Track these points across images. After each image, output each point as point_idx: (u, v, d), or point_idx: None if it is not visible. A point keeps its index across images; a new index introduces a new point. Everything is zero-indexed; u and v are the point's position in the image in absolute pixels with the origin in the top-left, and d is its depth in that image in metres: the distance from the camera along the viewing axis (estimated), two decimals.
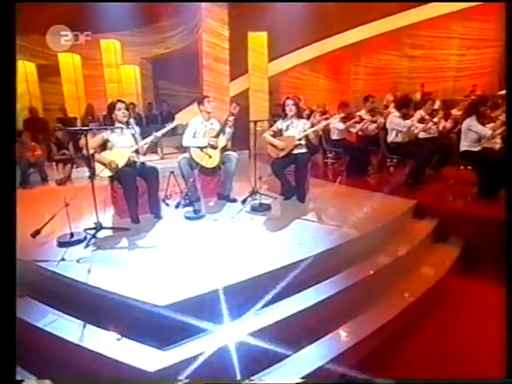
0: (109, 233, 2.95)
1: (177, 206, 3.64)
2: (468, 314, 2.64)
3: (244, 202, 3.71)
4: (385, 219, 3.28)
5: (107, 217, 3.22)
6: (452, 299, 2.81)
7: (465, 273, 3.12)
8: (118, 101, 3.28)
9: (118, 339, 1.86)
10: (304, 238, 2.78)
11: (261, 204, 3.56)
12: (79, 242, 2.74)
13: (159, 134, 3.40)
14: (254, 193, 3.81)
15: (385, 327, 2.26)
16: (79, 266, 2.38)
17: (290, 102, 3.83)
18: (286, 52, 9.95)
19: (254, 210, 3.50)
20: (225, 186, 3.84)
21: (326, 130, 5.34)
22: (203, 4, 6.41)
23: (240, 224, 3.19)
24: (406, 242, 3.15)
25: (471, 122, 3.89)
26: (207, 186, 3.96)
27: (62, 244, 2.72)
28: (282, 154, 3.81)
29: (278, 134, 3.91)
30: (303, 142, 3.91)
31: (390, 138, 4.53)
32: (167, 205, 3.75)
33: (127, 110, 3.28)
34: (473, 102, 4.07)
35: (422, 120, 4.57)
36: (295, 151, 3.87)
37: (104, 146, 3.25)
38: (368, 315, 2.31)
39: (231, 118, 3.78)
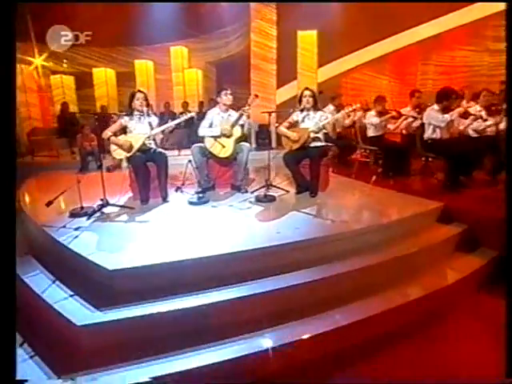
0: (116, 210, 3.22)
1: (176, 190, 3.77)
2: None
3: (254, 192, 3.71)
4: (392, 218, 2.97)
5: (124, 198, 3.54)
6: (454, 313, 2.41)
7: (483, 288, 2.66)
8: (138, 91, 3.57)
9: (71, 295, 2.03)
10: (286, 228, 2.67)
11: (265, 195, 3.51)
12: (86, 214, 3.04)
13: (173, 123, 3.62)
14: (267, 185, 3.78)
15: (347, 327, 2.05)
16: (73, 233, 2.65)
17: (307, 92, 3.72)
18: (347, 52, 9.64)
19: (258, 200, 3.47)
20: (236, 177, 3.88)
21: (363, 127, 5.03)
22: (252, 5, 6.57)
23: (234, 211, 3.20)
24: (414, 244, 2.80)
25: None
26: (223, 176, 4.05)
27: (72, 215, 3.05)
28: (295, 146, 3.71)
29: (293, 125, 3.82)
30: (320, 135, 3.77)
31: (427, 133, 4.07)
32: (182, 192, 3.91)
33: (145, 100, 3.54)
34: None
35: (465, 115, 4.02)
36: (312, 144, 3.75)
37: (124, 131, 3.57)
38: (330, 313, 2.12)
39: (246, 108, 3.81)
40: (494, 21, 8.52)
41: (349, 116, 5.29)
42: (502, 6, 8.31)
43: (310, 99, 3.69)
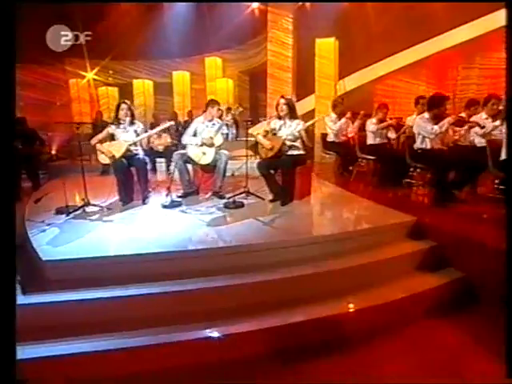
0: (96, 209, 3.54)
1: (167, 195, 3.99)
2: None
3: (230, 198, 3.81)
4: (348, 229, 2.88)
5: (112, 199, 3.87)
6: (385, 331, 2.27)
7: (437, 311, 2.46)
8: (123, 102, 3.90)
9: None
10: (227, 233, 2.75)
11: (234, 202, 3.60)
12: (69, 212, 3.39)
13: (153, 131, 3.89)
14: (244, 192, 3.88)
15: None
16: (44, 228, 2.99)
17: (282, 101, 3.75)
18: (380, 58, 9.28)
19: (226, 207, 3.56)
20: (215, 183, 4.01)
21: (362, 135, 4.86)
22: (269, 16, 6.70)
23: (195, 216, 3.34)
24: (367, 256, 2.69)
25: None
26: (206, 182, 4.22)
27: (57, 212, 3.43)
28: (270, 154, 3.75)
29: (271, 133, 3.86)
30: (297, 143, 3.77)
31: (417, 143, 3.83)
32: (170, 195, 4.12)
33: (129, 110, 3.86)
34: None
35: (459, 123, 3.71)
36: (289, 152, 3.77)
37: (112, 138, 3.91)
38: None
39: (229, 118, 3.95)
40: None
41: (353, 123, 5.18)
42: None
43: (285, 107, 3.71)
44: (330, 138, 5.31)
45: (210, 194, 4.08)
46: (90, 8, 9.68)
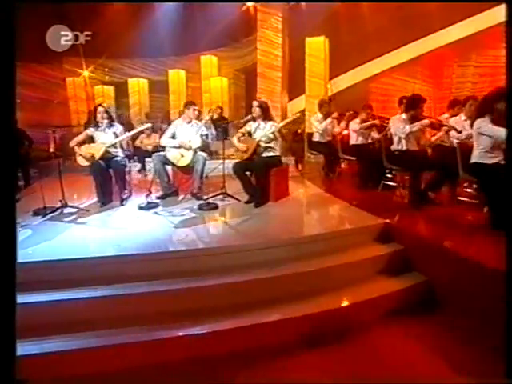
0: (74, 210, 3.60)
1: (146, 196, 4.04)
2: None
3: (206, 199, 3.85)
4: (313, 232, 2.91)
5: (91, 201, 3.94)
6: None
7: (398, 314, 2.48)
8: (99, 105, 3.95)
9: None
10: (190, 236, 2.79)
11: (208, 203, 3.64)
12: (46, 214, 3.46)
13: (130, 133, 3.95)
14: (222, 193, 3.92)
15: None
16: (18, 229, 3.06)
17: (255, 103, 3.78)
18: (375, 56, 9.22)
19: (200, 208, 3.61)
20: (193, 185, 4.04)
21: (346, 136, 4.86)
22: (258, 15, 6.69)
23: (167, 218, 3.39)
24: (328, 260, 2.71)
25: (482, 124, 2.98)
26: (186, 183, 4.26)
27: (35, 213, 3.50)
28: (245, 156, 3.79)
29: (246, 136, 3.88)
30: (272, 144, 3.79)
31: (394, 145, 3.83)
32: (150, 197, 4.17)
33: (106, 113, 3.91)
34: (487, 98, 3.08)
35: (435, 125, 3.70)
36: (264, 154, 3.79)
37: (92, 140, 3.97)
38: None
39: (207, 119, 3.98)
40: None
41: (339, 123, 5.19)
42: None
43: (258, 109, 3.74)
44: (316, 137, 5.31)
45: (183, 195, 4.12)
46: (87, 7, 9.75)
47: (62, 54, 9.70)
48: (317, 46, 6.94)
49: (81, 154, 3.79)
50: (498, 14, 7.89)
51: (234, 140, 3.87)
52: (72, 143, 3.84)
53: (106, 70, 11.04)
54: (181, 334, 2.11)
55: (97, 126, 3.94)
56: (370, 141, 4.76)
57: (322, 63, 6.96)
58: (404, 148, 3.74)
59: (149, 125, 4.18)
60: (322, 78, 7.05)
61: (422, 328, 2.40)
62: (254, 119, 3.84)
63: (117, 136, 3.95)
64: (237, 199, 3.85)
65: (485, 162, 3.00)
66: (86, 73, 10.66)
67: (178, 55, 11.51)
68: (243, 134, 3.89)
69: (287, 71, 7.33)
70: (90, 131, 3.94)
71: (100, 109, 3.92)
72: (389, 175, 4.17)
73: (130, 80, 10.32)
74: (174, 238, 2.86)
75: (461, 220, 3.20)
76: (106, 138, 3.92)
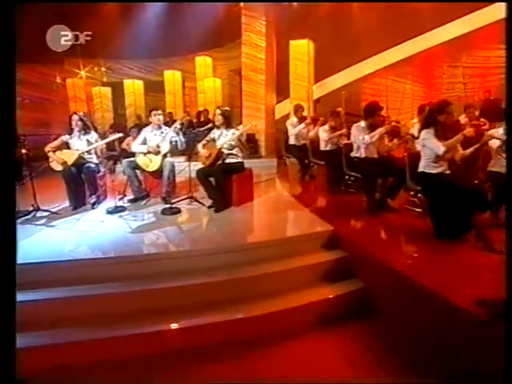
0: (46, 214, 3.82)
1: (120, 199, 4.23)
2: None
3: (172, 203, 4.02)
4: (261, 239, 3.06)
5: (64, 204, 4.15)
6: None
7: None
8: (74, 113, 4.15)
9: None
10: (140, 241, 2.97)
11: (171, 208, 3.80)
12: (18, 217, 3.68)
13: (103, 142, 4.13)
14: (188, 197, 4.09)
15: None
16: None
17: (218, 111, 3.91)
18: (367, 56, 9.24)
19: (163, 213, 3.77)
20: (162, 189, 4.21)
21: (316, 141, 4.96)
22: (243, 18, 6.80)
23: (129, 222, 3.57)
24: (271, 266, 2.85)
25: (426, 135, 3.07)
26: (157, 187, 4.42)
27: None
28: (208, 162, 3.94)
29: (210, 143, 4.03)
30: (235, 151, 3.94)
31: (353, 151, 3.93)
32: (123, 200, 4.36)
33: (80, 120, 4.10)
34: (431, 109, 3.16)
35: (394, 133, 3.78)
36: (227, 160, 3.94)
37: (67, 147, 4.17)
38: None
39: (177, 125, 4.15)
40: None
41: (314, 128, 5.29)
42: None
43: (220, 117, 3.88)
44: (291, 141, 5.43)
45: (145, 200, 4.29)
46: (88, 9, 9.99)
47: (63, 54, 10.09)
48: (301, 49, 7.02)
49: (55, 159, 3.99)
50: (488, 15, 7.83)
51: (199, 147, 4.02)
52: (47, 148, 4.04)
53: (104, 70, 11.28)
54: (130, 332, 2.28)
55: (71, 133, 4.14)
56: (339, 146, 4.84)
57: (305, 66, 7.04)
58: (363, 155, 3.83)
59: (120, 134, 4.38)
60: (306, 80, 7.13)
61: (353, 333, 2.52)
62: (217, 127, 3.98)
63: (90, 143, 4.15)
64: (202, 204, 4.01)
65: (430, 171, 3.09)
66: (84, 74, 10.93)
67: (175, 56, 11.70)
68: (208, 141, 4.03)
69: (273, 74, 7.43)
70: (65, 138, 4.15)
71: (75, 117, 4.11)
72: (350, 181, 4.26)
73: (125, 81, 10.55)
74: (127, 242, 3.03)
75: (408, 228, 3.29)
76: (80, 145, 4.12)
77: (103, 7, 10.71)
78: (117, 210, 3.90)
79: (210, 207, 3.91)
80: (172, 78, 10.80)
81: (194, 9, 10.56)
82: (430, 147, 2.99)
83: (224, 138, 3.90)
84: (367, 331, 2.50)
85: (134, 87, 10.59)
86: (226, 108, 4.09)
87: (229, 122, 3.94)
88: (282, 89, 7.94)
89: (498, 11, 7.68)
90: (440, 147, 2.92)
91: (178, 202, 4.05)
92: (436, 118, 3.05)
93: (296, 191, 4.68)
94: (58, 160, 3.99)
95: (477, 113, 5.11)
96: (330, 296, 2.74)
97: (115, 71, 11.93)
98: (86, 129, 4.18)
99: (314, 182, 5.25)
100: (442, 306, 2.11)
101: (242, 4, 8.89)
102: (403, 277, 2.46)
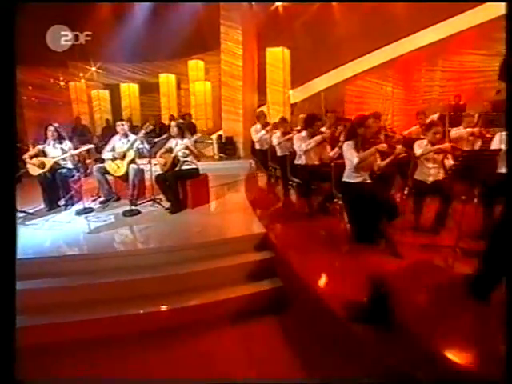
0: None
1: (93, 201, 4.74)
2: None
3: (137, 205, 4.50)
4: (198, 241, 3.50)
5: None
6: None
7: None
8: (50, 125, 4.64)
9: None
10: (89, 241, 3.47)
11: (131, 210, 4.28)
12: None
13: (76, 151, 4.64)
14: (151, 200, 4.57)
15: None
16: None
17: (173, 123, 4.38)
18: (350, 59, 9.49)
19: (123, 214, 4.25)
20: (128, 192, 4.69)
21: (273, 147, 5.34)
22: (221, 28, 7.19)
23: (91, 222, 4.06)
24: (202, 264, 3.28)
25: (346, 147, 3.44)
26: (125, 190, 4.90)
27: None
28: (164, 168, 4.40)
29: (168, 151, 4.47)
30: (189, 158, 4.38)
31: (296, 159, 4.32)
32: (92, 201, 4.86)
33: (56, 131, 4.60)
34: (352, 123, 3.53)
35: (334, 142, 4.14)
36: (183, 167, 4.40)
37: (44, 154, 4.67)
38: None
39: (141, 134, 4.61)
40: (503, 22, 7.56)
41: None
42: None
43: (175, 129, 4.33)
44: (257, 145, 5.83)
45: (106, 204, 4.77)
46: (88, 14, 10.50)
47: (67, 58, 10.66)
48: (276, 56, 7.39)
49: (32, 164, 4.51)
50: (462, 21, 8.00)
51: (158, 155, 4.48)
52: (25, 156, 4.55)
53: (104, 73, 11.82)
54: (81, 318, 2.77)
55: (46, 141, 4.65)
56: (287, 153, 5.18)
57: (281, 72, 7.40)
58: (304, 162, 4.22)
59: (91, 146, 4.90)
60: (281, 85, 7.49)
61: (266, 328, 2.86)
62: (173, 137, 4.42)
63: (64, 151, 4.65)
64: (162, 205, 4.48)
65: (350, 180, 3.45)
66: (85, 76, 11.52)
67: (171, 59, 12.15)
68: (166, 150, 4.48)
69: (253, 79, 7.81)
70: (41, 146, 4.66)
71: (50, 128, 4.62)
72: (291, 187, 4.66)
73: (122, 85, 11.08)
74: (82, 242, 3.52)
75: (334, 232, 3.64)
76: (55, 153, 4.63)
77: (104, 13, 11.19)
78: (85, 211, 4.40)
79: (167, 209, 4.38)
80: (166, 80, 11.28)
81: (187, 12, 10.95)
82: (348, 158, 3.35)
83: (179, 147, 4.34)
84: (279, 327, 2.82)
85: (129, 90, 11.14)
86: (181, 120, 4.56)
87: (183, 132, 4.38)
88: (264, 93, 8.32)
89: (471, 18, 7.88)
90: (355, 158, 3.28)
91: (142, 203, 4.54)
92: (356, 130, 3.41)
93: (252, 194, 5.09)
94: (36, 163, 4.49)
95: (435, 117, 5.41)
96: (251, 292, 3.14)
97: (115, 74, 12.48)
98: (60, 138, 4.68)
99: (277, 185, 5.64)
100: (317, 305, 2.50)
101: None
102: (299, 278, 2.86)
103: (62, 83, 12.25)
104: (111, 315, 2.82)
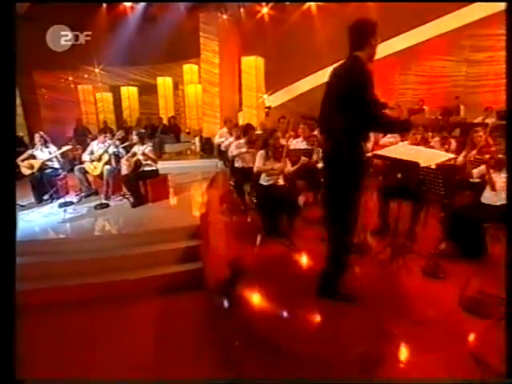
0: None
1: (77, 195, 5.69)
2: None
3: (109, 200, 5.41)
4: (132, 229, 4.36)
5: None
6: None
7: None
8: (36, 132, 5.61)
9: None
10: (60, 227, 4.38)
11: (101, 204, 5.18)
12: None
13: (57, 152, 5.57)
14: (122, 195, 5.47)
15: None
16: None
17: (134, 132, 5.21)
18: (331, 63, 10.02)
19: (95, 208, 5.16)
20: (103, 189, 5.60)
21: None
22: (201, 39, 7.98)
23: (67, 214, 4.97)
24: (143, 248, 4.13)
25: (258, 156, 4.19)
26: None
27: None
28: (130, 170, 5.27)
29: (133, 156, 5.33)
30: (148, 162, 5.24)
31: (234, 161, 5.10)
32: (76, 196, 5.82)
33: (41, 138, 5.55)
34: (264, 137, 4.26)
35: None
36: (145, 169, 5.27)
37: (33, 157, 5.65)
38: None
39: (115, 141, 5.50)
40: (470, 30, 7.97)
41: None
42: (478, 14, 7.80)
43: (135, 137, 5.20)
44: (222, 147, 6.62)
45: (79, 198, 5.66)
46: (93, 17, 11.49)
47: (78, 61, 11.72)
48: (249, 64, 8.11)
49: (23, 166, 5.49)
50: (431, 29, 8.41)
51: (124, 159, 5.36)
52: (18, 160, 5.53)
53: (108, 74, 12.86)
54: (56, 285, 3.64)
55: (35, 147, 5.62)
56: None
57: (254, 79, 8.13)
58: (240, 165, 4.99)
59: (69, 147, 5.84)
60: (254, 91, 8.22)
61: (187, 302, 3.68)
62: (134, 144, 5.29)
63: (51, 153, 5.61)
64: (129, 200, 5.36)
65: (262, 183, 4.21)
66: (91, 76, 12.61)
67: (170, 62, 13.04)
68: (131, 155, 5.35)
69: (234, 85, 8.57)
70: (31, 151, 5.63)
71: (37, 135, 5.60)
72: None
73: (122, 88, 12.09)
74: (54, 228, 4.45)
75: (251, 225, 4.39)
76: (43, 156, 5.59)
77: (108, 19, 12.12)
78: (65, 204, 5.34)
79: (131, 203, 5.26)
80: (163, 83, 12.18)
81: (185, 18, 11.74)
82: (254, 165, 4.11)
83: (139, 152, 5.20)
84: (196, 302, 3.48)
85: (128, 92, 12.14)
86: (141, 130, 5.37)
87: (143, 140, 5.23)
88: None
89: (441, 26, 8.29)
90: (255, 168, 4.05)
91: (114, 198, 5.44)
92: (267, 141, 4.16)
93: (211, 194, 5.90)
94: (26, 165, 5.48)
95: None
96: (174, 271, 3.96)
97: (120, 75, 13.50)
98: (45, 143, 5.64)
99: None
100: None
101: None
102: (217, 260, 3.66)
103: (72, 85, 13.40)
104: (77, 283, 3.68)
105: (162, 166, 7.21)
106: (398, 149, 3.36)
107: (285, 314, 2.71)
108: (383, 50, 9.06)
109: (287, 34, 9.19)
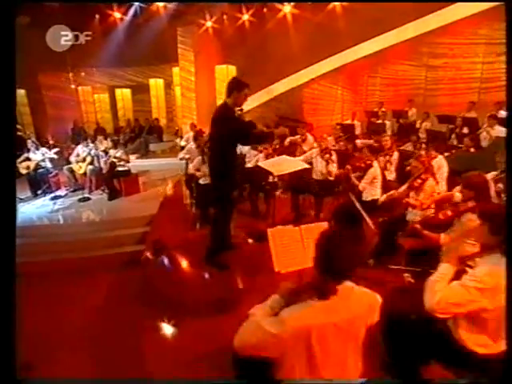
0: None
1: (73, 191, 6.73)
2: None
3: (90, 194, 6.43)
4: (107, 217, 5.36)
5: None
6: None
7: None
8: (28, 138, 6.65)
9: None
10: (46, 216, 5.42)
11: (84, 197, 6.20)
12: None
13: (48, 154, 6.62)
14: (102, 190, 6.50)
15: None
16: None
17: (109, 139, 6.17)
18: (305, 66, 10.76)
19: (78, 200, 6.19)
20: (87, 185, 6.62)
21: None
22: (178, 50, 8.87)
23: (55, 205, 6.01)
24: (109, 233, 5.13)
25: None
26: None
27: None
28: (106, 169, 6.27)
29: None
30: (122, 163, 6.22)
31: None
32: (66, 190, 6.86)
33: (33, 142, 6.59)
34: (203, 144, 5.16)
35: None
36: (118, 169, 6.26)
37: (28, 159, 6.70)
38: None
39: (97, 143, 6.50)
40: (428, 38, 8.59)
41: None
42: (436, 24, 8.42)
43: (110, 143, 6.16)
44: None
45: (65, 192, 6.69)
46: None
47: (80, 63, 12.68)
48: (222, 72, 8.98)
49: (21, 167, 6.55)
50: (396, 35, 9.03)
51: (101, 161, 6.36)
52: (17, 160, 6.58)
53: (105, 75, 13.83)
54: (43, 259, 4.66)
55: (29, 149, 6.67)
56: None
57: (225, 85, 8.97)
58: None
59: (57, 149, 6.88)
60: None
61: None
62: (110, 148, 6.28)
63: (43, 155, 6.66)
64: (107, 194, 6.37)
65: (200, 182, 5.12)
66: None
67: (163, 63, 13.90)
68: (109, 157, 6.34)
69: (211, 91, 9.44)
70: (26, 153, 6.68)
71: (29, 140, 6.65)
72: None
73: (116, 90, 13.09)
74: (41, 217, 5.50)
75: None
76: (37, 157, 6.64)
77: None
78: (56, 197, 6.39)
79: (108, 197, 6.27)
80: (155, 84, 13.10)
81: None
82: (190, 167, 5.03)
83: (112, 155, 6.20)
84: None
85: (122, 94, 13.16)
86: (115, 137, 6.34)
87: (116, 145, 6.22)
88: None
89: (403, 33, 8.91)
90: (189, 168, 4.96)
91: (96, 192, 6.47)
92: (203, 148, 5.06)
93: (176, 187, 6.85)
94: (23, 166, 6.54)
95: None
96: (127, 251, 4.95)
97: (118, 77, 14.45)
98: (37, 146, 6.69)
99: None
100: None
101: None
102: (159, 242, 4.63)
103: (72, 86, 14.44)
104: (57, 258, 4.66)
105: (149, 163, 8.33)
106: (277, 161, 4.24)
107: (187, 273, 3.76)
108: (354, 53, 9.94)
109: (265, 39, 9.94)
